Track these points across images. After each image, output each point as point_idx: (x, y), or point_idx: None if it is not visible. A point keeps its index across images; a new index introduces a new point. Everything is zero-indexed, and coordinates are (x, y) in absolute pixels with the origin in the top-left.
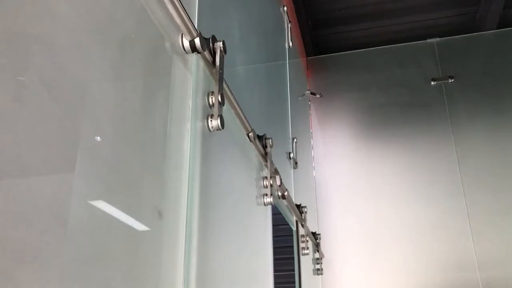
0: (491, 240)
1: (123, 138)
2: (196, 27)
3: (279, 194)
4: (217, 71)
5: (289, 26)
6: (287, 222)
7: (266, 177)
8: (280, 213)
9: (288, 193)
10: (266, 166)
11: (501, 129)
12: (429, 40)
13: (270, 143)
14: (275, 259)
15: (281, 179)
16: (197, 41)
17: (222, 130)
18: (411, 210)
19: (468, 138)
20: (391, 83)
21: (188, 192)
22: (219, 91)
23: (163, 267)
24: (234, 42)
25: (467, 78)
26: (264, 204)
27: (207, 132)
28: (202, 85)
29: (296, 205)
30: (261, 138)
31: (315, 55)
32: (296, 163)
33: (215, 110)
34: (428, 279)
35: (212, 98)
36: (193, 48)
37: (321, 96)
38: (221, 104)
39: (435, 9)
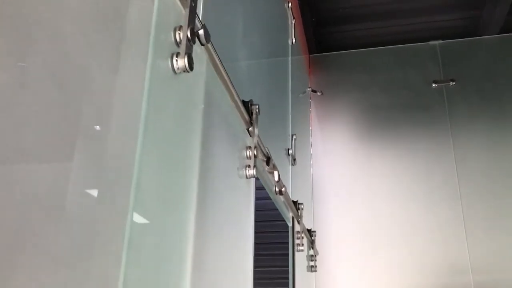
0: (485, 244)
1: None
2: (200, 18)
3: (277, 189)
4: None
5: (292, 22)
6: (283, 218)
7: (249, 147)
8: (277, 209)
9: (285, 189)
10: (251, 135)
11: (500, 134)
12: (431, 42)
13: (257, 110)
14: (269, 255)
15: (279, 175)
16: None
17: (190, 72)
18: (407, 212)
19: (467, 142)
20: (392, 83)
21: (139, 152)
22: (188, 26)
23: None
24: (238, 35)
25: (468, 81)
26: (246, 177)
27: (172, 74)
28: (168, 18)
29: (293, 201)
30: (246, 104)
31: (317, 53)
32: (294, 159)
33: (182, 47)
34: (421, 281)
35: (179, 33)
36: None
37: (322, 94)
38: (191, 41)
39: (439, 11)
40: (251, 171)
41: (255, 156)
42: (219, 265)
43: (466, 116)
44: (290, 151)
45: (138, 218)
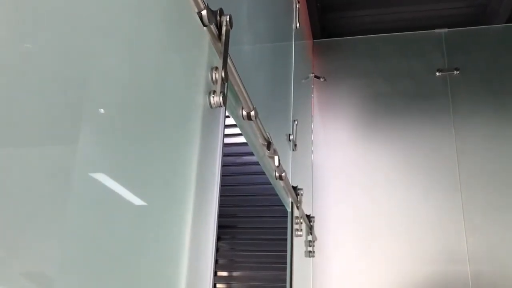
0: (484, 234)
1: (130, 110)
2: None
3: (277, 174)
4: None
5: (297, 7)
6: (282, 203)
7: (216, 68)
8: (276, 194)
9: (285, 174)
10: (219, 53)
11: (503, 125)
12: (437, 30)
13: (227, 21)
14: (267, 239)
15: (279, 160)
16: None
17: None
18: (407, 200)
19: (469, 132)
20: (396, 71)
21: None
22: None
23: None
24: (241, 19)
25: (473, 71)
26: (211, 106)
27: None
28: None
29: (293, 187)
30: (214, 14)
31: (321, 38)
32: (295, 145)
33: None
34: (418, 269)
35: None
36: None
37: (325, 80)
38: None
39: None
40: (217, 98)
41: (222, 80)
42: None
43: (469, 106)
44: (291, 137)
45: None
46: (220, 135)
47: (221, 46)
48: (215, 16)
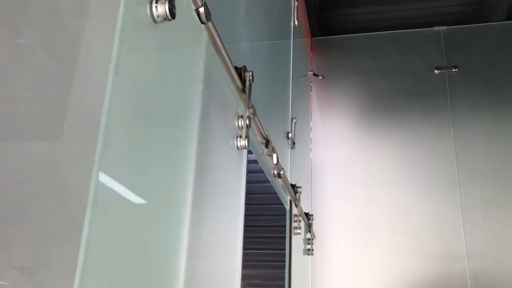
0: (482, 231)
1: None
2: None
3: (275, 172)
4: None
5: (295, 4)
6: (281, 202)
7: (241, 116)
8: (275, 193)
9: (284, 172)
10: (244, 103)
11: (501, 122)
12: (436, 28)
13: (250, 77)
14: (266, 238)
15: (278, 158)
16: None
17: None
18: (406, 198)
19: (467, 129)
20: (394, 69)
21: None
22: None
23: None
24: (239, 16)
25: (471, 68)
26: (238, 148)
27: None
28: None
29: (291, 184)
30: (239, 70)
31: (320, 36)
32: (294, 143)
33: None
34: (416, 266)
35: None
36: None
37: (323, 78)
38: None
39: None
40: (243, 142)
41: (247, 126)
42: (210, 239)
43: (468, 103)
44: (290, 135)
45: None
46: (244, 172)
47: (245, 97)
48: (239, 72)
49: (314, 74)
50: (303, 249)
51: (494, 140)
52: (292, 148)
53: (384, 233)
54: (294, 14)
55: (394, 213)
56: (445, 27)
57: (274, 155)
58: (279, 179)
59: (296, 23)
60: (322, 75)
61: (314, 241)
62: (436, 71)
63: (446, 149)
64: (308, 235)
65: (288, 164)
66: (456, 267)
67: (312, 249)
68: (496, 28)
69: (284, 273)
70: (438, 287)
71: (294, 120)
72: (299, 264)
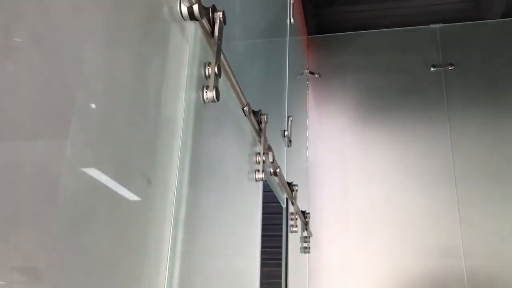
0: (478, 228)
1: (114, 104)
2: None
3: (271, 170)
4: (215, 42)
5: (291, 2)
6: (277, 200)
7: (259, 153)
8: (271, 191)
9: (280, 170)
10: (260, 142)
11: (497, 120)
12: (432, 26)
13: (265, 119)
14: (263, 236)
15: (274, 156)
16: (195, 7)
17: (217, 102)
18: (402, 195)
19: (463, 127)
20: (391, 67)
21: (179, 162)
22: (216, 62)
23: (150, 235)
24: (235, 14)
25: (467, 66)
26: (256, 180)
27: (202, 103)
28: (199, 55)
29: (288, 183)
30: (256, 114)
31: (316, 34)
32: (290, 141)
33: (211, 81)
34: (413, 264)
35: (208, 69)
36: (191, 15)
37: (320, 76)
38: (218, 75)
39: None
40: (260, 175)
41: (263, 162)
42: (228, 268)
43: (464, 101)
44: (286, 133)
45: None
46: (260, 203)
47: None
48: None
49: (310, 72)
50: (300, 247)
51: (490, 137)
52: (288, 146)
53: (380, 231)
54: (290, 11)
55: (390, 211)
56: (441, 25)
57: (270, 153)
58: (276, 177)
59: (292, 21)
60: (319, 73)
61: (311, 239)
62: (432, 69)
63: (442, 147)
64: (305, 233)
65: (284, 162)
66: (453, 263)
67: (309, 247)
68: (492, 25)
69: (280, 271)
70: (435, 284)
71: (291, 118)
72: (296, 262)
